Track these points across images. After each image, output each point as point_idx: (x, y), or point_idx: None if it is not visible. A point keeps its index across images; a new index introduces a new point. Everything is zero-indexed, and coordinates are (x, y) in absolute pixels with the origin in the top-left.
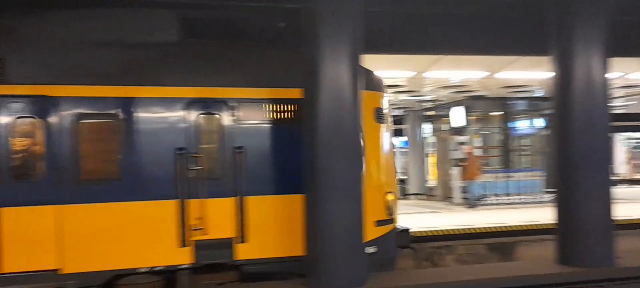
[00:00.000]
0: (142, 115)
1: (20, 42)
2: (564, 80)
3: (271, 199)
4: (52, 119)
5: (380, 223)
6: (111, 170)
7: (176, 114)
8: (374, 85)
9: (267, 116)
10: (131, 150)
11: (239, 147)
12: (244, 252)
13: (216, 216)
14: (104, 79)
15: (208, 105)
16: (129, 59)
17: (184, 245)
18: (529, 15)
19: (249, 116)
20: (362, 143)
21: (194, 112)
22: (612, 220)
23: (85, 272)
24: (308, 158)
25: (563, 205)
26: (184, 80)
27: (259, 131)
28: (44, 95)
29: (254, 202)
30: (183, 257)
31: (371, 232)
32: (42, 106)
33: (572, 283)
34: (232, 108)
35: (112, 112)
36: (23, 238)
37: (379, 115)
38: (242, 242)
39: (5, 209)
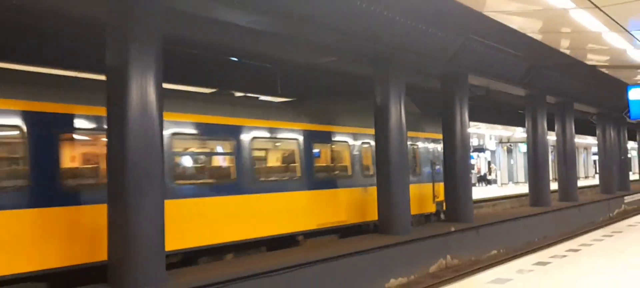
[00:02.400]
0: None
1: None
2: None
3: (429, 185)
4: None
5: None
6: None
7: (432, 145)
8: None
9: (432, 145)
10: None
11: (433, 162)
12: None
13: (438, 191)
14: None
15: (420, 141)
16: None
17: (434, 202)
18: None
19: (430, 144)
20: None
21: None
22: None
23: (360, 222)
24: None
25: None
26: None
27: (425, 153)
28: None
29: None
30: (433, 208)
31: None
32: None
33: None
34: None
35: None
36: (353, 204)
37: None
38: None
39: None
